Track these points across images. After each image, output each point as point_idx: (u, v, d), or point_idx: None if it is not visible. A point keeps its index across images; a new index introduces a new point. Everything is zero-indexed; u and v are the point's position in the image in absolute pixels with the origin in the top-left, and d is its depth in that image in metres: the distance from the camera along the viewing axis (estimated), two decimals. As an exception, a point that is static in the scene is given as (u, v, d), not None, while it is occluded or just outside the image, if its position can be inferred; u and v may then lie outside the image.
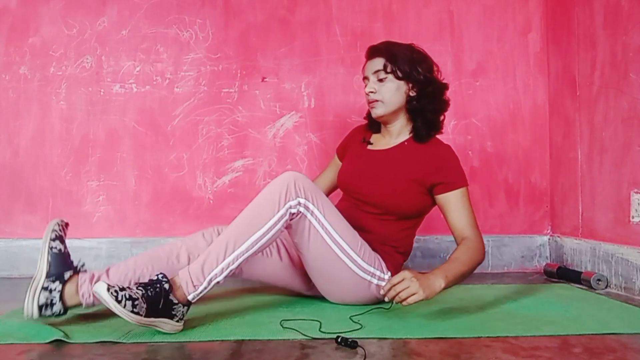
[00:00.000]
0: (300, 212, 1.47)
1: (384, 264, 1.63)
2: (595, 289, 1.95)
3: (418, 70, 1.65)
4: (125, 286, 1.29)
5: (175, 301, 1.32)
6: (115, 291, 1.24)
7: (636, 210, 1.86)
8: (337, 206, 1.76)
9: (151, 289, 1.30)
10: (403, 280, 1.39)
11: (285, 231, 1.55)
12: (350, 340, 1.22)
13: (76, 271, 1.46)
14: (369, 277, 1.59)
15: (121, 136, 2.44)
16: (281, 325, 1.40)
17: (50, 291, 1.39)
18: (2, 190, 2.40)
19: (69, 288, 1.42)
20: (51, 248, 1.45)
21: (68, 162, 2.42)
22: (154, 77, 2.46)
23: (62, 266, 1.42)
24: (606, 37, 2.03)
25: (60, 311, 1.40)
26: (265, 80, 2.48)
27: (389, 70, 1.64)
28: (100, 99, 2.44)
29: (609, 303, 1.72)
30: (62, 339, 1.28)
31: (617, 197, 1.96)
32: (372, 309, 1.59)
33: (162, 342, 1.28)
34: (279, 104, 2.47)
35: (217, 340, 1.29)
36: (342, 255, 1.54)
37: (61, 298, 1.39)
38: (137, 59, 2.45)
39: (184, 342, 1.29)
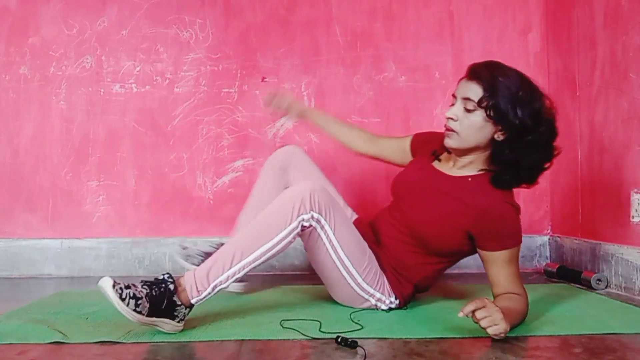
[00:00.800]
0: (312, 225, 1.43)
1: (388, 286, 1.58)
2: (595, 289, 1.95)
3: (516, 114, 1.38)
4: (130, 284, 1.28)
5: (179, 302, 1.32)
6: (120, 288, 1.23)
7: (636, 210, 1.86)
8: (379, 212, 1.71)
9: (156, 289, 1.29)
10: (485, 307, 1.21)
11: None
12: (350, 340, 1.22)
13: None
14: (366, 296, 1.56)
15: (121, 136, 2.44)
16: (281, 325, 1.40)
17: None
18: (2, 190, 2.40)
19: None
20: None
21: (68, 162, 2.42)
22: (154, 77, 2.46)
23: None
24: (606, 37, 2.03)
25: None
26: (265, 80, 2.48)
27: (482, 105, 1.39)
28: (100, 99, 2.44)
29: (609, 303, 1.72)
30: (61, 340, 1.28)
31: (617, 197, 1.96)
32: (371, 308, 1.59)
33: (162, 342, 1.28)
34: (279, 104, 2.47)
35: (217, 340, 1.29)
36: (344, 272, 1.51)
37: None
38: (137, 59, 2.45)
39: (184, 342, 1.29)
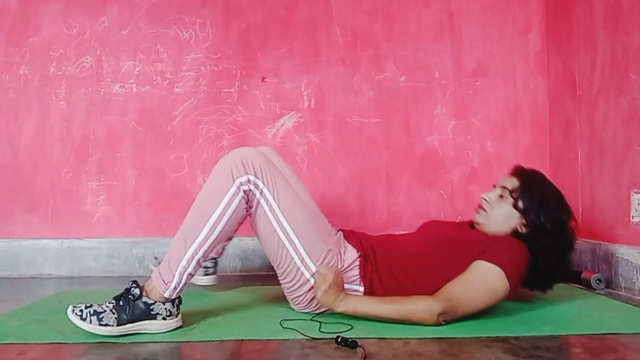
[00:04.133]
0: (251, 190, 1.39)
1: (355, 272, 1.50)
2: (595, 289, 1.95)
3: (539, 215, 1.51)
4: (93, 303, 1.32)
5: (152, 301, 1.34)
6: (80, 310, 1.30)
7: (636, 210, 1.86)
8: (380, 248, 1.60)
9: (122, 299, 1.33)
10: (325, 275, 1.42)
11: None
12: (350, 340, 1.22)
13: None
14: (303, 269, 1.47)
15: (121, 136, 2.44)
16: (281, 325, 1.40)
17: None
18: (2, 190, 2.40)
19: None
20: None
21: (68, 162, 2.42)
22: (154, 77, 2.46)
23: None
24: (606, 37, 2.03)
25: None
26: (265, 80, 2.48)
27: (514, 195, 1.56)
28: (100, 99, 2.44)
29: (609, 303, 1.72)
30: (61, 340, 1.28)
31: (617, 197, 1.96)
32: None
33: (162, 342, 1.28)
34: (279, 104, 2.47)
35: (217, 340, 1.29)
36: (286, 241, 1.44)
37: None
38: (137, 59, 2.45)
39: (184, 342, 1.29)
